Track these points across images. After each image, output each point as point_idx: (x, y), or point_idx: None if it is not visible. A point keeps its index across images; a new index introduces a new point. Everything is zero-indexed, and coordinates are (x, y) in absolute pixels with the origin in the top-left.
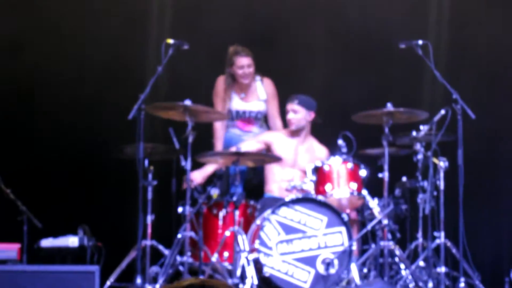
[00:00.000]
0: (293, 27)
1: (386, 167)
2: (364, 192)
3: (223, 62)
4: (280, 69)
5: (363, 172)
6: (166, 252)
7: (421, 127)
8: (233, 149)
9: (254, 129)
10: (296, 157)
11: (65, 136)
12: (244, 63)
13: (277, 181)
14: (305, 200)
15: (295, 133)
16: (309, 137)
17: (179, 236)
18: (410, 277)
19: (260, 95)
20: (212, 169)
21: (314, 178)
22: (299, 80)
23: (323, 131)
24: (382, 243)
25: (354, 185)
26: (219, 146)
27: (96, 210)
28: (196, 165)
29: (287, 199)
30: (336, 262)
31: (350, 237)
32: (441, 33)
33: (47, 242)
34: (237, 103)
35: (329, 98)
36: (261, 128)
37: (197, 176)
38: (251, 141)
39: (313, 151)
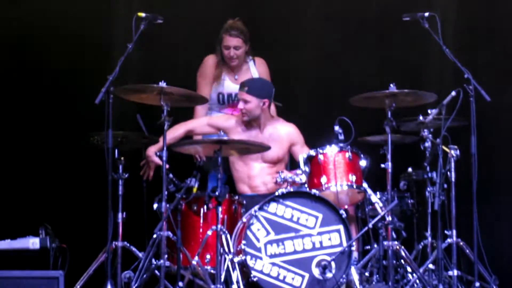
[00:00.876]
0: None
1: (389, 156)
2: (365, 185)
3: (204, 39)
4: (272, 46)
5: (363, 163)
6: (140, 254)
7: (429, 111)
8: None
9: None
10: None
11: (23, 124)
12: (230, 43)
13: (244, 180)
14: (297, 194)
15: (252, 123)
16: (270, 122)
17: (154, 236)
18: (418, 281)
19: (253, 76)
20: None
21: (307, 169)
22: (292, 59)
23: (317, 116)
24: (385, 243)
25: (353, 177)
26: None
27: (60, 207)
28: (173, 156)
29: (277, 194)
30: (333, 265)
31: (349, 237)
32: (450, 3)
33: (4, 244)
34: (229, 85)
35: (325, 79)
36: None
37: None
38: (200, 121)
39: (278, 137)
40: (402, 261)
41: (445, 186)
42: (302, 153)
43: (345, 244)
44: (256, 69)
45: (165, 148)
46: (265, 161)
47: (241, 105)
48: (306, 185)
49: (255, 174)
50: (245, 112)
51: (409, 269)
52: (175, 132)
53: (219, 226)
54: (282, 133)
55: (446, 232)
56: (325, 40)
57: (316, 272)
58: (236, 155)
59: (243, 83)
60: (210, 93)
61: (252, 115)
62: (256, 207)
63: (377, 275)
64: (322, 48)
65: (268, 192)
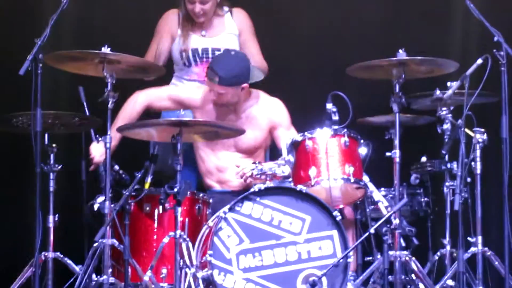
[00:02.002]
0: None
1: (397, 142)
2: (365, 178)
3: None
4: (259, 12)
5: (363, 150)
6: (77, 268)
7: (449, 84)
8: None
9: None
10: None
11: None
12: None
13: (212, 172)
14: (279, 191)
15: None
16: (248, 100)
17: (95, 245)
18: None
19: (228, 28)
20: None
21: (292, 158)
22: (281, 23)
23: (307, 91)
24: (391, 253)
25: (350, 169)
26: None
27: None
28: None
29: (252, 190)
30: (324, 281)
31: (345, 245)
32: None
33: None
34: (195, 41)
35: (318, 44)
36: None
37: (97, 152)
38: (160, 91)
39: (257, 119)
40: (413, 276)
41: (469, 180)
42: (287, 138)
43: (339, 254)
44: (234, 21)
45: (109, 133)
46: (239, 151)
47: (214, 95)
48: (290, 179)
49: (226, 165)
50: (221, 102)
51: (421, 286)
52: (132, 110)
53: (178, 232)
54: (261, 113)
55: (469, 238)
56: None
57: None
58: (201, 140)
59: (211, 69)
60: (162, 51)
61: (230, 102)
62: (226, 208)
63: None
64: (315, 6)
65: (243, 188)
